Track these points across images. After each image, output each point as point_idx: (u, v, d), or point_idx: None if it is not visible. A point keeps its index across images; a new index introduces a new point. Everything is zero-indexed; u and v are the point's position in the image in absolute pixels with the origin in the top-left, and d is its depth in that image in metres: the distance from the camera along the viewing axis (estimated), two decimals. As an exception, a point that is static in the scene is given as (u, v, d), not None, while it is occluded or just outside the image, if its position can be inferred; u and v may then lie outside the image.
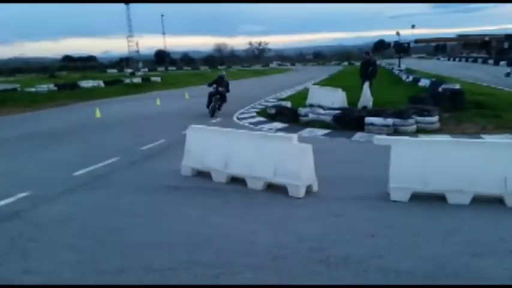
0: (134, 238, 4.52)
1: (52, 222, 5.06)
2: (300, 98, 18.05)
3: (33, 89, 26.61)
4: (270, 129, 11.38)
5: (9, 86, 29.56)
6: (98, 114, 15.23)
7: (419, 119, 10.43)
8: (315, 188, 5.90)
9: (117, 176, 7.11)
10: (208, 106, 14.28)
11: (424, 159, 5.40)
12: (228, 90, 14.68)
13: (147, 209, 5.44)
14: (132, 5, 70.97)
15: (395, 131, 10.06)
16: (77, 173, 7.20)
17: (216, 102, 14.17)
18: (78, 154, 8.96)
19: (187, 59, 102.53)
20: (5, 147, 10.14)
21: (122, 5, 72.64)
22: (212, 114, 13.96)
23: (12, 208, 5.56)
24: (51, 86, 27.81)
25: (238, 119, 13.77)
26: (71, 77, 44.80)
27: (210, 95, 14.31)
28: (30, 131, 12.22)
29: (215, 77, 14.94)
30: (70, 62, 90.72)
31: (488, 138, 8.56)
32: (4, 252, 4.30)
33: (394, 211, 5.14)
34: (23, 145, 10.31)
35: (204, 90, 15.40)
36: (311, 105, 14.47)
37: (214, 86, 14.28)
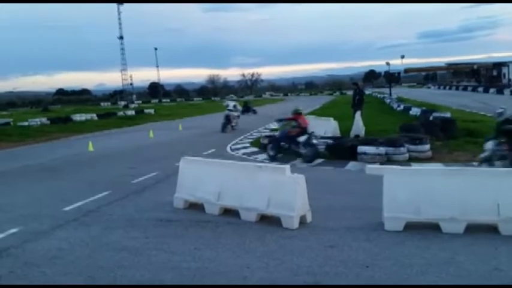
0: (126, 276, 4.42)
1: (43, 259, 4.95)
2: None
3: (25, 123, 26.59)
4: (264, 159, 11.37)
5: (1, 121, 29.54)
6: (90, 147, 15.17)
7: (412, 147, 10.49)
8: (309, 218, 5.85)
9: (108, 210, 7.01)
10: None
11: (417, 188, 5.41)
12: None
13: (139, 244, 5.34)
14: (126, 39, 71.89)
15: (388, 160, 10.09)
16: (68, 208, 7.10)
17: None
18: (70, 188, 8.86)
19: (180, 91, 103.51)
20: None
21: (116, 39, 73.62)
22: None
23: (2, 244, 5.46)
24: (44, 120, 27.85)
25: (231, 149, 13.78)
26: (64, 111, 44.95)
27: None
28: (21, 165, 12.11)
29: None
30: (64, 96, 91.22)
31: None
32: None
33: (389, 241, 5.09)
34: (13, 179, 10.20)
35: (196, 122, 15.60)
36: (304, 135, 14.50)
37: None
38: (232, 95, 73.22)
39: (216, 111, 36.29)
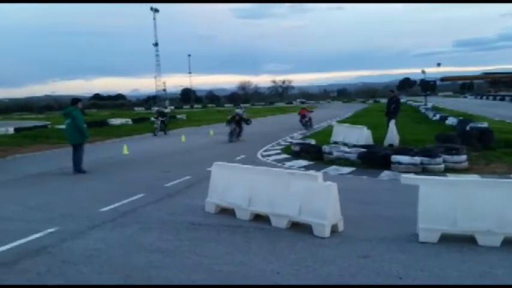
0: (160, 275, 4.52)
1: (79, 258, 5.11)
2: (325, 135, 18.06)
3: (63, 126, 27.48)
4: (296, 166, 11.35)
5: (40, 123, 30.68)
6: (125, 150, 15.56)
7: (448, 157, 10.22)
8: (341, 227, 5.80)
9: (142, 212, 7.17)
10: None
11: (453, 199, 5.27)
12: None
13: (171, 246, 5.44)
14: (161, 46, 73.50)
15: (423, 170, 9.87)
16: (104, 209, 7.32)
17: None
18: (105, 190, 9.13)
19: (212, 97, 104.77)
20: (34, 183, 10.43)
21: (151, 46, 75.36)
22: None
23: (41, 243, 5.66)
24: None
25: (262, 156, 13.82)
26: (100, 115, 46.19)
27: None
28: (58, 167, 12.55)
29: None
30: (99, 100, 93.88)
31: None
32: None
33: (423, 253, 4.98)
34: (51, 180, 10.59)
35: (227, 128, 15.97)
36: (335, 143, 14.44)
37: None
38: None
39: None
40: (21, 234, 5.93)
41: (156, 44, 76.17)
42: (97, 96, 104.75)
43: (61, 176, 11.18)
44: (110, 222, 6.60)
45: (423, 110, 32.16)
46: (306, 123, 23.65)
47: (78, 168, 11.34)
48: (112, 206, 7.48)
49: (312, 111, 26.11)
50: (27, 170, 12.47)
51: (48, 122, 31.35)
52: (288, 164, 11.89)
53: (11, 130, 27.30)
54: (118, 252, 5.30)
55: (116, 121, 32.32)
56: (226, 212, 6.82)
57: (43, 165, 13.41)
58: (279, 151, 14.78)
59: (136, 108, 76.18)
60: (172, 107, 71.59)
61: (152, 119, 26.40)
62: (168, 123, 25.55)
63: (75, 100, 12.05)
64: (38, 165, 13.37)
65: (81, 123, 11.34)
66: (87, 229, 6.24)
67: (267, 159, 12.96)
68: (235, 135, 18.79)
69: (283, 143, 17.52)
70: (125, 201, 7.84)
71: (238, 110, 19.73)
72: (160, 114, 25.76)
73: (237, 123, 19.15)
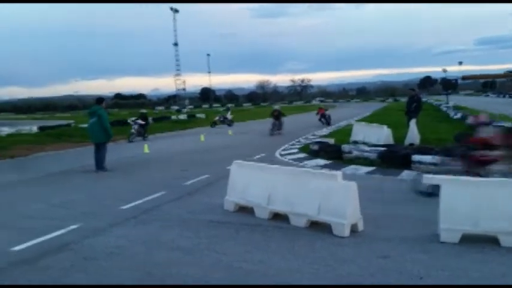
0: (180, 273, 4.58)
1: (101, 254, 5.22)
2: (343, 134, 17.93)
3: (85, 125, 28.00)
4: (314, 166, 11.32)
5: (63, 122, 31.35)
6: (146, 149, 15.77)
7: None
8: (360, 227, 5.77)
9: (162, 210, 7.27)
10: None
11: (475, 199, 5.19)
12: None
13: (191, 244, 5.50)
14: (180, 46, 73.98)
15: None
16: (125, 207, 7.45)
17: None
18: (127, 188, 9.28)
19: (231, 96, 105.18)
20: (57, 181, 10.67)
21: (170, 46, 75.98)
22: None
23: (64, 239, 5.80)
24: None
25: (280, 155, 13.81)
26: (121, 114, 46.84)
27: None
28: (81, 165, 12.81)
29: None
30: (121, 100, 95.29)
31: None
32: (56, 283, 4.47)
33: (444, 253, 4.92)
34: (74, 179, 10.82)
35: (246, 127, 15.87)
36: (355, 142, 14.33)
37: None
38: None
39: (265, 117, 36.57)
40: (44, 231, 6.07)
41: (176, 44, 76.76)
42: (119, 96, 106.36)
43: (84, 174, 11.41)
44: (131, 219, 6.72)
45: (444, 109, 31.62)
46: (327, 120, 25.64)
47: (100, 166, 11.55)
48: (133, 204, 7.61)
49: (326, 110, 27.59)
50: (50, 168, 12.76)
51: (72, 121, 31.96)
52: (306, 163, 11.86)
53: (34, 129, 28.01)
54: (139, 249, 5.39)
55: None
56: (245, 210, 6.86)
57: (66, 163, 13.70)
58: (297, 150, 14.75)
59: (156, 108, 77.05)
60: (191, 106, 72.12)
61: (129, 121, 22.63)
62: (148, 128, 21.99)
63: (100, 99, 12.31)
64: (60, 164, 13.67)
65: (106, 122, 11.56)
66: (108, 226, 6.36)
67: (286, 158, 12.95)
68: (275, 128, 20.93)
69: (303, 140, 17.48)
70: (146, 199, 7.96)
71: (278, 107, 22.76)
72: (142, 117, 22.07)
73: (276, 117, 21.25)
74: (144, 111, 24.23)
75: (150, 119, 23.72)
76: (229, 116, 28.97)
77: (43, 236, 5.89)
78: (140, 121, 21.26)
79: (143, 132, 21.11)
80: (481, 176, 6.84)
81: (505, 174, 6.85)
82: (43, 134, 24.42)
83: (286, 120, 22.62)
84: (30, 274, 4.70)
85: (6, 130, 27.12)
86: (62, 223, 6.48)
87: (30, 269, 4.84)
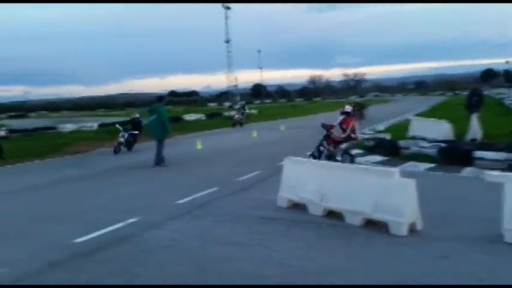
0: (232, 268, 4.61)
1: (158, 248, 5.37)
2: (399, 129, 17.31)
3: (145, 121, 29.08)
4: (372, 162, 11.00)
5: (121, 120, 32.69)
6: (198, 145, 16.08)
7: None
8: (419, 226, 5.52)
9: (216, 205, 7.37)
10: None
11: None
12: None
13: (243, 239, 5.53)
14: (232, 42, 74.65)
15: (510, 167, 9.09)
16: (180, 201, 7.62)
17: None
18: (181, 183, 9.51)
19: (282, 92, 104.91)
20: (115, 176, 11.14)
21: (222, 43, 76.97)
22: None
23: (123, 232, 6.03)
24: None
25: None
26: (175, 111, 48.20)
27: None
28: (137, 161, 13.29)
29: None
30: (174, 97, 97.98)
31: None
32: (115, 275, 4.64)
33: (508, 254, 4.61)
34: (130, 174, 11.24)
35: (298, 123, 15.69)
36: (413, 138, 13.80)
37: None
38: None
39: (317, 112, 36.13)
40: (104, 224, 6.33)
41: (227, 41, 77.67)
42: (172, 93, 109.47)
43: (142, 169, 11.82)
44: (186, 214, 6.86)
45: (508, 103, 29.66)
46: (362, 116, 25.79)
47: (158, 161, 11.92)
48: (188, 199, 7.78)
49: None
50: (109, 163, 13.32)
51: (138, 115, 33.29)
52: (361, 159, 11.56)
53: (95, 126, 29.48)
54: (194, 243, 5.49)
55: (191, 117, 33.62)
56: (298, 207, 6.79)
57: (123, 159, 14.22)
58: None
59: (209, 104, 78.51)
60: (243, 102, 72.73)
61: (117, 126, 17.20)
62: (137, 139, 16.63)
63: (161, 97, 12.76)
64: (118, 159, 14.21)
65: (166, 119, 11.92)
66: (165, 220, 6.54)
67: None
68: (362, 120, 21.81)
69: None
70: (200, 194, 8.11)
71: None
72: (133, 123, 17.13)
73: (359, 111, 21.53)
74: (137, 115, 17.77)
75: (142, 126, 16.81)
76: (245, 112, 28.87)
77: (103, 229, 6.15)
78: (131, 131, 16.54)
79: (132, 143, 16.40)
80: None
81: None
82: (103, 131, 25.58)
83: (327, 116, 22.29)
84: (89, 267, 4.88)
85: (69, 127, 28.75)
86: (121, 216, 6.73)
87: (89, 262, 5.03)
